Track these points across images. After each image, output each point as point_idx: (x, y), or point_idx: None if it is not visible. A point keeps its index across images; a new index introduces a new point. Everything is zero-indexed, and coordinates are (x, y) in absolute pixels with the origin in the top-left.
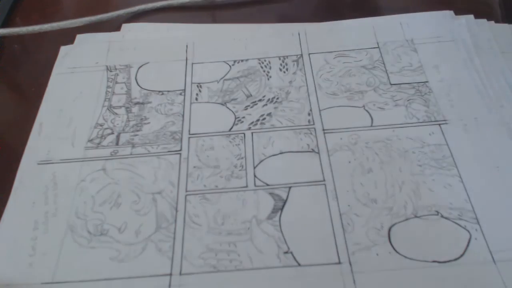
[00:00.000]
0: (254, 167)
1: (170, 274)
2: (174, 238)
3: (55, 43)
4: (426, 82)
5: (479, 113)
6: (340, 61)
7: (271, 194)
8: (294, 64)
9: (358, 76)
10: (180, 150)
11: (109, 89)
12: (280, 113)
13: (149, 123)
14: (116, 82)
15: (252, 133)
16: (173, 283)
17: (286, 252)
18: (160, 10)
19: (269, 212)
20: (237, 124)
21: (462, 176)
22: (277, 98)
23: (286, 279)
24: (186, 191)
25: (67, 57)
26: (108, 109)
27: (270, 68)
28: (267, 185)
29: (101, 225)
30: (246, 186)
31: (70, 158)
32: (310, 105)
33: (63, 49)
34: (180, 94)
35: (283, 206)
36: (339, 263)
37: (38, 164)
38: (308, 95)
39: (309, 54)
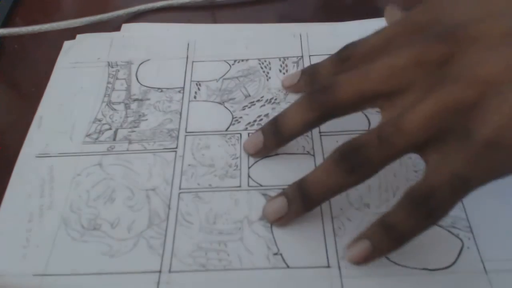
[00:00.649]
0: (249, 167)
1: (160, 271)
2: (165, 236)
3: (55, 43)
4: None
5: None
6: None
7: (264, 195)
8: (294, 66)
9: None
10: (176, 147)
11: (110, 85)
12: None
13: (146, 119)
14: (117, 78)
15: (248, 133)
16: (162, 280)
17: (275, 254)
18: (160, 10)
19: (261, 213)
20: (234, 124)
21: None
22: (275, 99)
23: (274, 281)
24: (180, 189)
25: (70, 52)
26: (107, 104)
27: (270, 69)
28: (261, 186)
29: (94, 220)
30: (240, 186)
31: (67, 152)
32: None
33: (66, 44)
34: (179, 91)
35: None
36: (328, 267)
37: (36, 157)
38: None
39: (309, 56)
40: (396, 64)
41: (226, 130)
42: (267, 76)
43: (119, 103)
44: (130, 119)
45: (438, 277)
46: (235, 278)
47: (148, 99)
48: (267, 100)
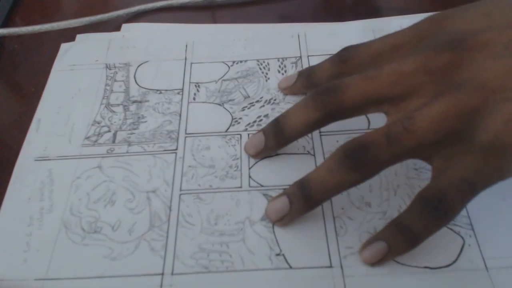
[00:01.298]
0: (249, 168)
1: (162, 274)
2: (167, 238)
3: (55, 43)
4: None
5: None
6: None
7: (265, 195)
8: (292, 66)
9: None
10: (176, 149)
11: (108, 87)
12: (277, 114)
13: (146, 121)
14: (115, 80)
15: (248, 134)
16: (165, 283)
17: (278, 254)
18: (160, 10)
19: (262, 214)
20: (233, 125)
21: None
22: (275, 100)
23: (277, 281)
24: (181, 190)
25: (67, 54)
26: (106, 107)
27: (269, 69)
28: (262, 186)
29: (95, 223)
30: (241, 187)
31: (66, 155)
32: None
33: (64, 46)
34: (178, 93)
35: None
36: (331, 266)
37: (35, 160)
38: None
39: (308, 56)
40: (403, 70)
41: (226, 131)
42: (266, 76)
43: (118, 105)
44: (129, 121)
45: (440, 275)
46: (238, 279)
47: (147, 101)
48: (266, 100)
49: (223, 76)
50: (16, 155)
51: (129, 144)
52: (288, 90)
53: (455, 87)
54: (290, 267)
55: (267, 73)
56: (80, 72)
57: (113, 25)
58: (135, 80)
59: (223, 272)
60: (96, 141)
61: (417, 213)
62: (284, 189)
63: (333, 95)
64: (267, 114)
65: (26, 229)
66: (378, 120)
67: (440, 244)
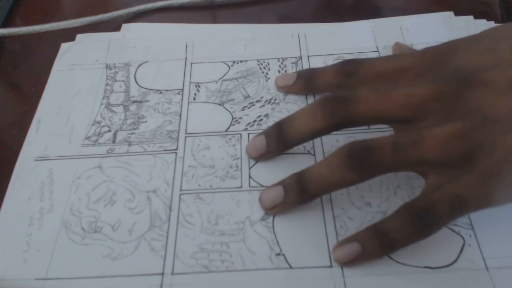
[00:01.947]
0: (249, 168)
1: (162, 273)
2: (167, 237)
3: (55, 43)
4: None
5: None
6: None
7: None
8: (293, 66)
9: None
10: (176, 149)
11: (108, 87)
12: (277, 114)
13: (146, 121)
14: (115, 80)
15: (248, 134)
16: (165, 283)
17: (278, 254)
18: (160, 10)
19: (262, 214)
20: (234, 124)
21: None
22: (275, 99)
23: (277, 281)
24: (181, 190)
25: (67, 54)
26: (106, 106)
27: (269, 69)
28: (262, 186)
29: (95, 223)
30: (241, 187)
31: (67, 155)
32: None
33: (64, 46)
34: (178, 93)
35: None
36: (331, 266)
37: (35, 160)
38: (306, 97)
39: (308, 56)
40: (416, 94)
41: (226, 130)
42: (266, 76)
43: (118, 105)
44: (129, 121)
45: (440, 274)
46: (238, 279)
47: (147, 101)
48: (266, 100)
49: (223, 76)
50: (16, 155)
51: (129, 144)
52: (285, 89)
53: (463, 116)
54: (290, 267)
55: (267, 73)
56: (80, 72)
57: (113, 25)
58: (135, 80)
59: (223, 272)
60: (96, 141)
61: (400, 220)
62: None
63: (345, 107)
64: (267, 114)
65: (26, 229)
66: None
67: (440, 244)
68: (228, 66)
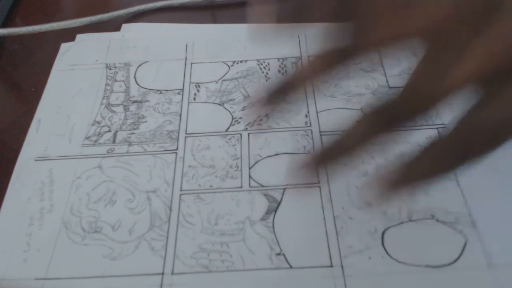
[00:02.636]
0: (250, 168)
1: (162, 273)
2: (167, 237)
3: (55, 43)
4: None
5: None
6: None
7: (265, 195)
8: (293, 66)
9: (356, 79)
10: (176, 149)
11: (108, 87)
12: (277, 114)
13: (146, 121)
14: (115, 80)
15: (248, 133)
16: (165, 282)
17: (278, 254)
18: (160, 10)
19: (263, 213)
20: (234, 124)
21: (459, 180)
22: None
23: (277, 281)
24: (181, 190)
25: (68, 54)
26: (106, 106)
27: (269, 69)
28: (262, 186)
29: (95, 223)
30: (241, 187)
31: (67, 155)
32: (308, 107)
33: (64, 46)
34: (178, 93)
35: (277, 208)
36: (331, 266)
37: (35, 160)
38: (306, 97)
39: (308, 56)
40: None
41: (226, 130)
42: (266, 76)
43: (118, 105)
44: (129, 121)
45: (442, 273)
46: (238, 279)
47: (147, 101)
48: None
49: (223, 76)
50: (16, 155)
51: (130, 144)
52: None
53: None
54: (291, 267)
55: (267, 73)
56: (80, 72)
57: (113, 25)
58: (135, 80)
59: (224, 272)
60: (96, 141)
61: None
62: (284, 189)
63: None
64: (267, 114)
65: (26, 229)
66: None
67: (442, 243)
68: (228, 66)
